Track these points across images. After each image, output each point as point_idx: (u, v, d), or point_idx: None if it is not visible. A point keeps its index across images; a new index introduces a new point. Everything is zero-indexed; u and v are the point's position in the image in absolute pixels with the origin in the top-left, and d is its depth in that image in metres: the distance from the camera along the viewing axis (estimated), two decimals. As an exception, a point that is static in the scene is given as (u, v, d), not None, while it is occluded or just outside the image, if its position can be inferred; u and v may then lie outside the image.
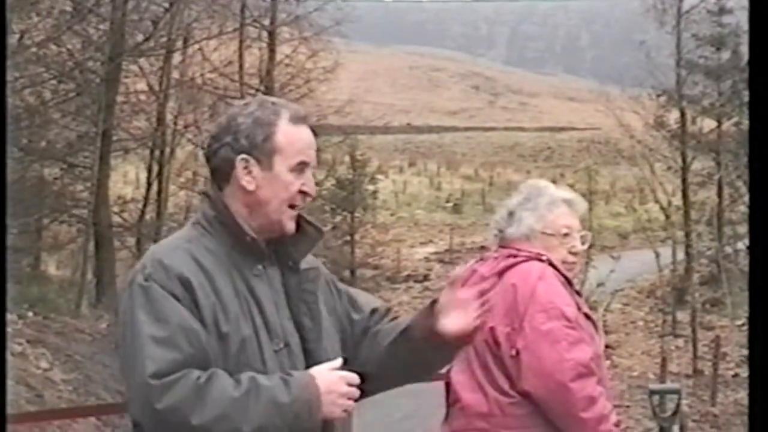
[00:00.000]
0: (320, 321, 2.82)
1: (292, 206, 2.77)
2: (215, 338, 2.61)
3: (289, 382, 2.60)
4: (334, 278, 3.03)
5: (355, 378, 2.70)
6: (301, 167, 2.76)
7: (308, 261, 2.88)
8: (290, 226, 2.78)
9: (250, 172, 2.73)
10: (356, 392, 2.69)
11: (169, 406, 2.48)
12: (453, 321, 2.77)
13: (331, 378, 2.66)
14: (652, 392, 7.07)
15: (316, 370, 2.67)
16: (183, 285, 2.61)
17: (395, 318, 3.04)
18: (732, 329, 18.42)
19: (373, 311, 3.00)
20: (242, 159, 2.73)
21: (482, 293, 2.80)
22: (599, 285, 17.96)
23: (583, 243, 4.11)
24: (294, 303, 2.79)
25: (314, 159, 2.81)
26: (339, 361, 2.73)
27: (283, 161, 2.74)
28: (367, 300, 3.07)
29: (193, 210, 28.63)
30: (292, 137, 2.76)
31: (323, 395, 2.62)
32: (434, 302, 2.82)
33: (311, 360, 2.73)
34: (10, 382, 10.79)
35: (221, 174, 2.78)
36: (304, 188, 2.77)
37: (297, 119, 2.79)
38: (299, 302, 2.79)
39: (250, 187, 2.73)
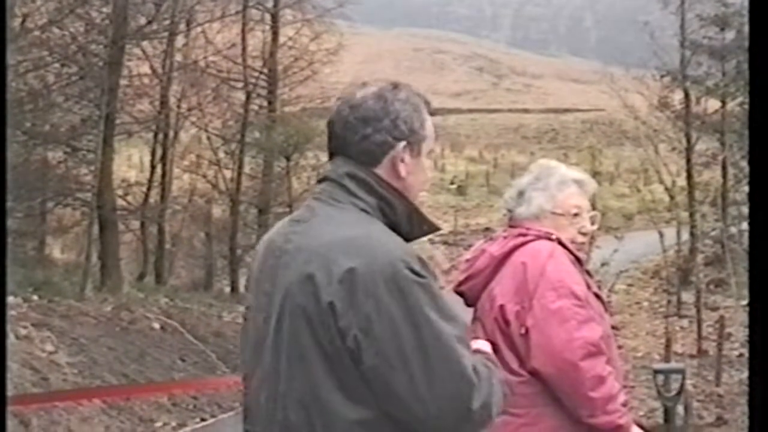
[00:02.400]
0: None
1: None
2: None
3: (482, 358, 2.63)
4: None
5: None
6: (430, 154, 2.80)
7: None
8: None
9: (403, 159, 2.69)
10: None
11: (482, 404, 2.47)
12: None
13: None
14: (657, 372, 7.10)
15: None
16: (436, 280, 2.56)
17: None
18: (736, 309, 18.36)
19: None
20: (405, 145, 2.69)
21: None
22: (603, 265, 17.97)
23: (592, 223, 4.11)
24: None
25: None
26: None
27: (426, 148, 2.75)
28: None
29: (198, 193, 28.70)
30: (431, 125, 2.78)
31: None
32: None
33: None
34: (15, 365, 10.84)
35: (369, 158, 2.70)
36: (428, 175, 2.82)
37: (429, 106, 2.81)
38: None
39: (404, 173, 2.69)
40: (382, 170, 2.68)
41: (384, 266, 2.47)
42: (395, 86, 2.77)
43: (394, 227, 2.64)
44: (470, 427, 2.47)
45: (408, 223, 2.67)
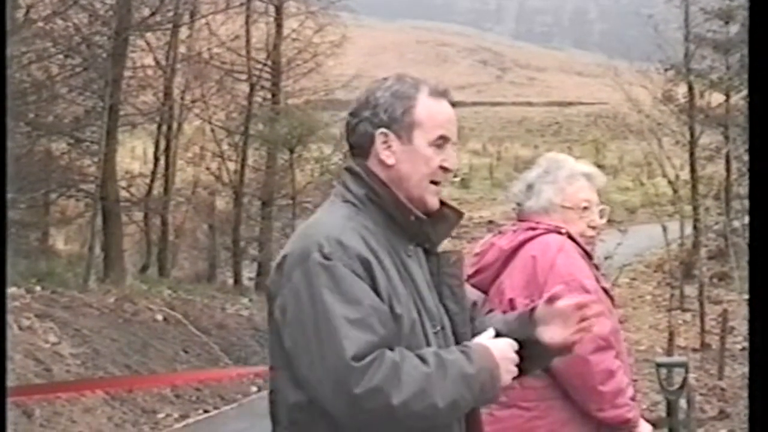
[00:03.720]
0: (465, 306, 2.80)
1: (433, 182, 2.73)
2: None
3: (469, 353, 2.56)
4: None
5: (516, 345, 2.68)
6: (440, 142, 2.71)
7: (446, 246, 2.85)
8: (433, 201, 2.74)
9: (389, 147, 2.68)
10: (517, 359, 2.68)
11: (369, 389, 2.38)
12: (552, 332, 2.75)
13: (502, 345, 2.64)
14: (660, 366, 7.07)
15: (485, 339, 2.66)
16: (363, 265, 2.52)
17: (489, 311, 3.05)
18: (739, 303, 18.35)
19: (474, 303, 2.97)
20: (381, 133, 2.68)
21: (582, 306, 2.75)
22: (607, 258, 17.97)
23: (601, 217, 4.13)
24: (436, 286, 2.74)
25: (455, 134, 2.76)
26: (492, 331, 2.72)
27: (422, 135, 2.69)
28: (469, 290, 3.02)
29: (201, 185, 28.69)
30: (432, 111, 2.72)
31: (500, 362, 2.60)
32: (533, 310, 2.80)
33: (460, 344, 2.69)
34: (18, 356, 10.87)
35: (360, 149, 2.73)
36: (445, 164, 2.73)
37: (437, 93, 2.76)
38: (441, 285, 2.75)
39: (390, 161, 2.68)
40: (373, 160, 2.71)
41: (301, 250, 2.55)
42: (392, 77, 2.79)
43: (390, 216, 2.66)
44: (358, 412, 2.41)
45: (398, 211, 2.67)
